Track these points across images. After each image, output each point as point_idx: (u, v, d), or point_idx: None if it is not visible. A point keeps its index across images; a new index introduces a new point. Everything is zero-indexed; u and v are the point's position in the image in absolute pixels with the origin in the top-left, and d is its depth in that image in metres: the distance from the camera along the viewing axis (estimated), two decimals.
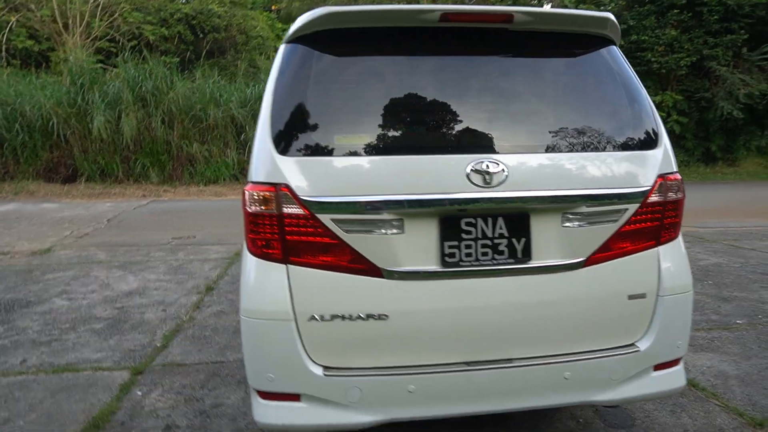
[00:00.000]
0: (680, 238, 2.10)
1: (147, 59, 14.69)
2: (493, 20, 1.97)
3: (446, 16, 1.90)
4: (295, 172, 1.81)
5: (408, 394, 1.85)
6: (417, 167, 1.85)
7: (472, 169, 1.84)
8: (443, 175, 1.84)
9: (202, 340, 3.80)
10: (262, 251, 1.87)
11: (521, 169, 1.87)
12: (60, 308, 4.53)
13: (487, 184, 1.83)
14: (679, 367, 2.09)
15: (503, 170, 1.84)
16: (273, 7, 27.83)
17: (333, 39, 1.95)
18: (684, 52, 16.86)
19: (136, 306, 4.62)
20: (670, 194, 2.00)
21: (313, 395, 1.85)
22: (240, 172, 14.98)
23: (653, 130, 2.04)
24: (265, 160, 1.85)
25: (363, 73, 1.99)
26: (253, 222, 1.87)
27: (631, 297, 1.98)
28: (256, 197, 1.85)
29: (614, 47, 2.16)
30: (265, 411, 1.90)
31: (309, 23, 1.92)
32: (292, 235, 1.82)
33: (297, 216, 1.81)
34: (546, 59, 2.10)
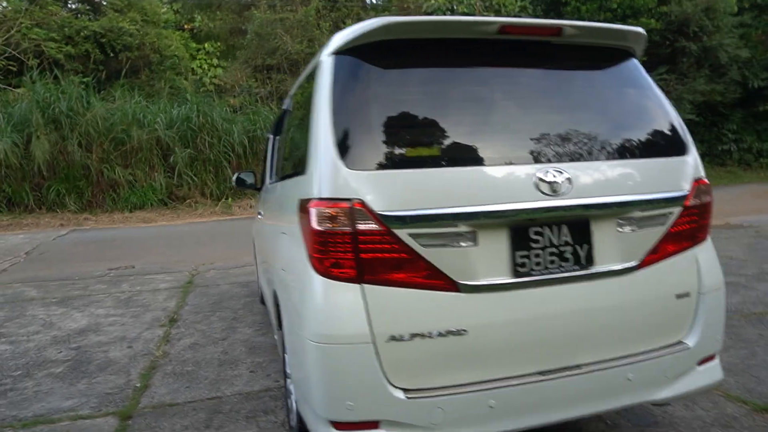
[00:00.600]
0: (709, 238, 2.23)
1: (59, 78, 13.61)
2: (544, 33, 2.01)
3: (505, 28, 1.91)
4: (368, 187, 1.72)
5: (489, 410, 1.78)
6: (487, 178, 1.82)
7: (539, 179, 1.84)
8: (512, 185, 1.83)
9: (187, 376, 3.48)
10: (332, 271, 1.73)
11: (581, 177, 1.90)
12: (2, 354, 3.98)
13: (554, 192, 1.84)
14: (717, 361, 2.20)
15: (567, 179, 1.87)
16: (186, 26, 26.92)
17: (387, 50, 1.88)
18: None
19: (95, 344, 4.16)
20: (703, 197, 2.12)
21: (394, 420, 1.72)
22: (168, 197, 14.16)
23: (683, 137, 2.17)
24: (333, 175, 1.74)
25: (422, 85, 1.93)
26: (321, 240, 1.74)
27: (678, 296, 2.06)
28: (326, 214, 1.73)
29: (637, 60, 2.28)
30: None
31: (365, 34, 1.84)
32: (368, 252, 1.70)
33: (372, 232, 1.70)
34: (587, 71, 2.17)
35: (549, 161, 1.88)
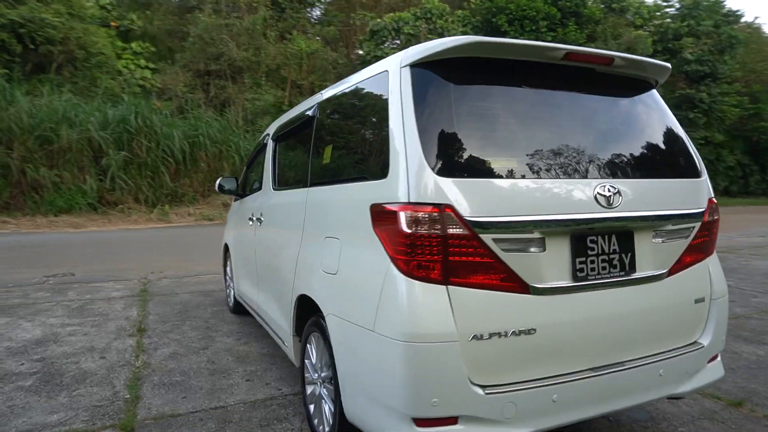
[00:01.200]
0: (715, 252, 2.50)
1: None
2: (599, 62, 2.20)
3: (569, 55, 2.07)
4: (457, 193, 1.79)
5: (552, 404, 1.89)
6: (556, 189, 1.96)
7: (597, 192, 2.01)
8: (577, 197, 1.98)
9: (179, 386, 3.31)
10: (420, 273, 1.77)
11: (628, 192, 2.08)
12: None
13: (609, 205, 2.01)
14: (719, 359, 2.46)
15: (618, 193, 2.04)
16: (113, 24, 25.61)
17: (463, 66, 1.99)
18: None
19: (61, 355, 3.83)
20: (714, 214, 2.39)
21: (472, 416, 1.78)
22: (99, 201, 13.29)
23: (698, 160, 2.43)
24: (424, 181, 1.79)
25: (497, 101, 2.05)
26: (410, 243, 1.77)
27: (696, 301, 2.29)
28: (418, 218, 1.77)
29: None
30: None
31: (447, 50, 1.92)
32: (455, 255, 1.76)
33: (460, 236, 1.77)
34: (623, 98, 2.37)
35: (603, 177, 2.06)
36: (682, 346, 2.25)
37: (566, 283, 1.95)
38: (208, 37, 16.33)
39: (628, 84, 2.39)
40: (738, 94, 24.31)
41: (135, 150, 13.67)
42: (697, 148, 2.46)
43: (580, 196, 1.98)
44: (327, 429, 2.41)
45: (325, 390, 2.48)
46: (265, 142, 4.03)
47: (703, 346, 2.29)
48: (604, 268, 2.03)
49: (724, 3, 24.67)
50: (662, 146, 2.36)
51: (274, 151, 3.69)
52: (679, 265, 2.24)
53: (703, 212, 2.31)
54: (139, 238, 10.94)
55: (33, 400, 3.07)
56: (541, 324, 1.88)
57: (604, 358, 2.03)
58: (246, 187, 4.65)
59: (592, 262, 2.00)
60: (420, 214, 1.76)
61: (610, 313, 2.04)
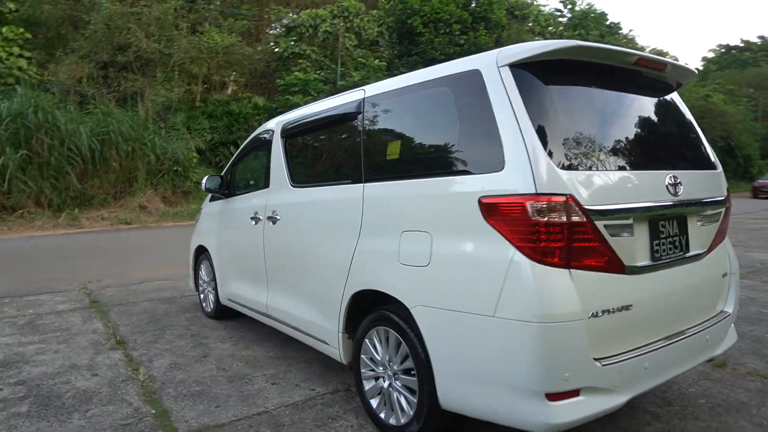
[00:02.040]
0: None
1: None
2: (658, 67, 2.44)
3: (639, 60, 2.30)
4: (575, 184, 1.94)
5: (644, 370, 2.07)
6: (643, 180, 2.19)
7: (668, 183, 2.26)
8: (654, 187, 2.22)
9: (203, 396, 3.11)
10: (546, 258, 1.87)
11: (685, 182, 2.36)
12: None
13: (675, 193, 2.28)
14: (733, 325, 2.85)
15: (680, 183, 2.31)
16: None
17: (556, 67, 2.12)
18: None
19: (43, 376, 3.42)
20: (730, 201, 2.77)
21: (591, 386, 1.90)
22: None
23: (713, 154, 2.79)
24: (548, 173, 1.91)
25: (584, 100, 2.22)
26: (537, 231, 1.87)
27: (722, 276, 2.65)
28: (545, 208, 1.87)
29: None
30: (558, 411, 1.84)
31: (551, 52, 2.05)
32: (576, 241, 1.89)
33: (581, 223, 1.91)
34: (663, 99, 2.65)
35: (668, 169, 2.31)
36: (716, 315, 2.59)
37: (648, 262, 2.17)
38: (114, 26, 15.03)
39: (663, 86, 2.68)
40: None
41: (35, 148, 12.26)
42: None
43: (657, 186, 2.21)
44: (405, 420, 2.44)
45: (399, 382, 2.50)
46: (266, 138, 3.89)
47: (728, 314, 2.65)
48: (670, 249, 2.28)
49: (608, 15, 27.44)
50: (693, 141, 2.69)
51: (286, 148, 3.59)
52: (712, 245, 2.57)
53: (725, 199, 2.67)
54: (52, 246, 9.87)
55: (44, 426, 2.75)
56: (635, 300, 2.08)
57: (674, 327, 2.29)
58: (232, 186, 4.45)
59: (663, 243, 2.24)
60: (547, 204, 1.87)
61: (675, 287, 2.30)
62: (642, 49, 32.50)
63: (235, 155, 4.48)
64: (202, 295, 5.02)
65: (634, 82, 2.48)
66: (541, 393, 1.87)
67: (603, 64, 2.27)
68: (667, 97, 2.68)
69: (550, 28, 26.29)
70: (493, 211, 1.98)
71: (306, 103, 17.17)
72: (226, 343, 4.12)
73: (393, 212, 2.47)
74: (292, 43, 18.98)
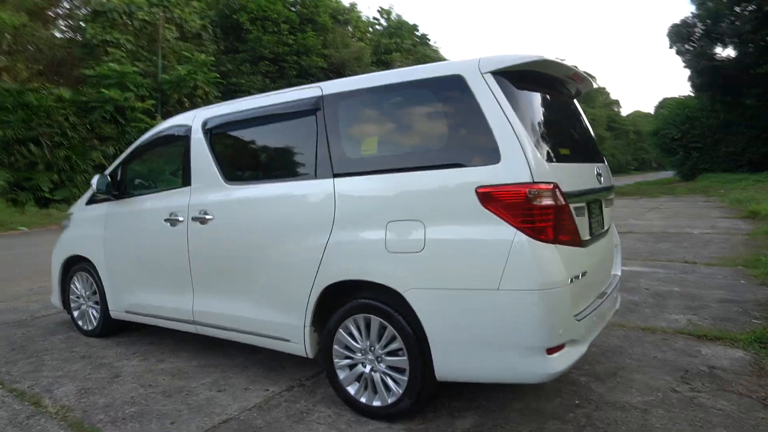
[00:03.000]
0: None
1: None
2: (578, 80, 2.99)
3: (573, 74, 2.82)
4: (556, 173, 2.33)
5: (593, 323, 2.60)
6: (584, 170, 2.70)
7: (597, 172, 2.84)
8: (589, 176, 2.78)
9: (146, 416, 2.78)
10: (541, 236, 2.21)
11: (602, 172, 2.98)
12: None
13: (600, 182, 2.87)
14: None
15: (600, 173, 2.91)
16: None
17: (521, 76, 2.51)
18: None
19: None
20: None
21: (572, 339, 2.32)
22: None
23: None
24: (540, 165, 2.26)
25: (540, 104, 2.62)
26: (533, 213, 2.21)
27: (615, 246, 3.40)
28: (540, 193, 2.22)
29: None
30: (554, 363, 2.20)
31: (525, 63, 2.45)
32: (560, 220, 2.29)
33: (562, 206, 2.31)
34: (573, 102, 3.24)
35: (593, 162, 2.90)
36: (615, 277, 3.30)
37: (588, 237, 2.71)
38: None
39: (575, 94, 3.29)
40: None
41: None
42: None
43: (591, 175, 2.77)
44: (393, 399, 2.60)
45: (383, 365, 2.65)
46: (178, 134, 3.62)
47: (619, 276, 3.39)
48: (597, 226, 2.87)
49: (418, 27, 30.17)
50: (594, 139, 3.36)
51: (211, 144, 3.41)
52: (609, 223, 3.28)
53: (613, 186, 3.41)
54: None
55: None
56: (587, 267, 2.59)
57: (601, 288, 2.89)
58: (124, 186, 3.99)
59: (594, 222, 2.82)
60: (541, 191, 2.24)
61: (599, 257, 2.90)
62: (443, 58, 36.44)
63: (127, 152, 4.03)
64: (76, 312, 4.38)
65: (561, 91, 3.02)
66: (543, 349, 2.24)
67: (551, 75, 2.75)
68: (576, 102, 3.31)
69: (368, 35, 27.87)
70: (491, 198, 2.28)
71: (126, 98, 15.54)
72: (133, 360, 3.72)
73: (375, 205, 2.60)
74: (101, 30, 16.83)
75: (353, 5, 26.65)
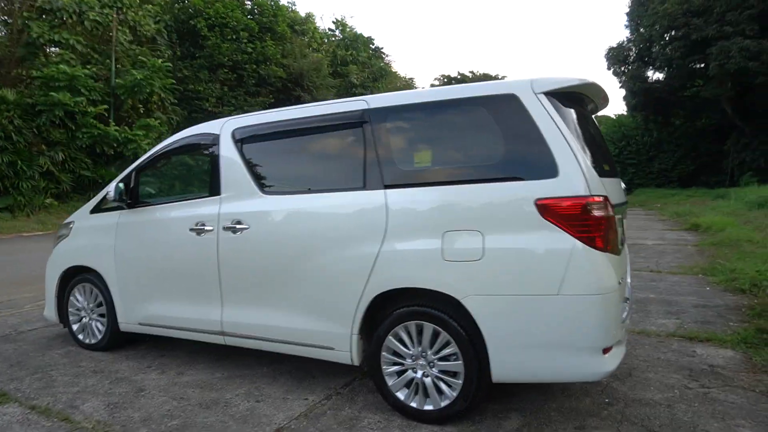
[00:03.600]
0: None
1: None
2: (605, 100, 3.23)
3: (603, 96, 3.04)
4: (605, 188, 2.53)
5: (625, 325, 2.82)
6: (616, 185, 2.93)
7: (623, 186, 3.08)
8: (620, 190, 3.01)
9: (193, 428, 2.79)
10: (596, 244, 2.40)
11: (623, 186, 3.24)
12: None
13: (626, 194, 3.12)
14: None
15: (626, 187, 3.17)
16: None
17: (567, 96, 2.71)
18: (231, 106, 19.69)
19: None
20: None
21: (619, 340, 2.53)
22: None
23: None
24: (594, 179, 2.46)
25: (581, 122, 2.80)
26: (591, 224, 2.39)
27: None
28: (595, 206, 2.40)
29: None
30: (608, 361, 2.38)
31: (575, 86, 2.68)
32: (609, 230, 2.49)
33: (611, 217, 2.51)
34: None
35: (618, 177, 3.15)
36: (629, 284, 3.57)
37: (621, 246, 2.94)
38: None
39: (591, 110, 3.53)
40: None
41: None
42: None
43: (621, 189, 3.01)
44: (446, 402, 2.70)
45: (436, 369, 2.75)
46: (204, 143, 3.60)
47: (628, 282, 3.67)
48: (623, 236, 3.11)
49: (374, 40, 30.57)
50: (611, 152, 3.63)
51: (242, 154, 3.41)
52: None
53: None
54: None
55: None
56: (621, 274, 2.81)
57: (626, 293, 3.13)
58: (136, 195, 3.88)
59: (622, 232, 3.05)
60: (596, 203, 2.44)
61: (624, 265, 3.14)
62: (396, 73, 37.02)
63: (141, 160, 3.93)
64: (76, 326, 4.20)
65: (588, 108, 3.23)
66: (600, 349, 2.42)
67: (585, 95, 2.97)
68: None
69: (324, 46, 27.95)
70: (551, 210, 2.46)
71: (77, 103, 14.76)
72: (151, 373, 3.62)
73: (430, 215, 2.72)
74: (49, 29, 15.95)
75: (309, 15, 26.69)
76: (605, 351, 2.45)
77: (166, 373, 3.61)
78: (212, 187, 3.48)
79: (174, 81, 17.57)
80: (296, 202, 3.15)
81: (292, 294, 3.11)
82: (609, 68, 36.76)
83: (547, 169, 2.49)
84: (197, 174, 4.02)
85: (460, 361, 2.66)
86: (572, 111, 2.76)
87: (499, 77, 65.49)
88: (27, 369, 3.73)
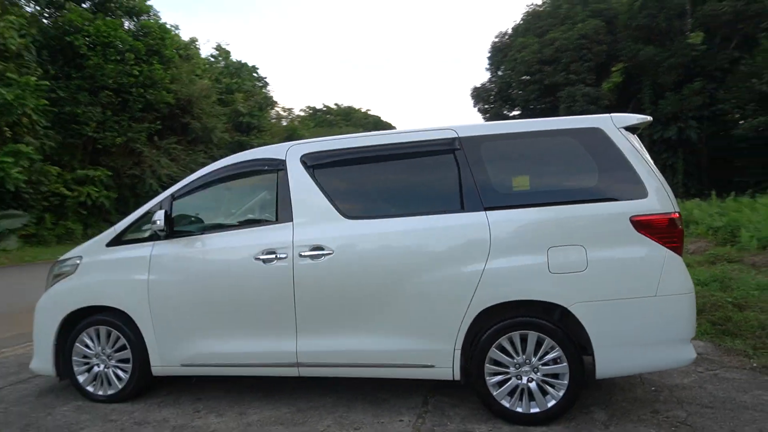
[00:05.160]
0: None
1: None
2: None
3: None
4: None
5: None
6: None
7: None
8: None
9: None
10: (679, 252, 2.89)
11: None
12: None
13: None
14: None
15: None
16: None
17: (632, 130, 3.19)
18: (114, 131, 18.00)
19: None
20: None
21: (693, 335, 3.02)
22: None
23: None
24: (671, 198, 2.96)
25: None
26: (675, 235, 2.88)
27: None
28: (678, 220, 2.92)
29: None
30: (693, 350, 2.87)
31: (640, 123, 3.15)
32: (683, 240, 3.00)
33: (682, 229, 3.03)
34: None
35: None
36: None
37: None
38: None
39: None
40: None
41: None
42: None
43: None
44: (552, 403, 2.97)
45: (539, 374, 3.01)
46: (267, 168, 3.52)
47: None
48: None
49: (258, 68, 30.19)
50: None
51: (316, 179, 3.41)
52: None
53: None
54: None
55: None
56: None
57: None
58: (172, 225, 3.60)
59: None
60: (677, 218, 2.94)
61: None
62: (275, 102, 36.73)
63: (180, 186, 3.67)
64: (83, 377, 3.68)
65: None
66: (688, 339, 2.90)
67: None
68: None
69: (207, 73, 26.92)
70: (645, 225, 2.91)
71: None
72: (208, 417, 3.35)
73: (534, 233, 3.02)
74: None
75: (193, 39, 25.60)
76: (691, 341, 2.93)
77: (225, 416, 3.37)
78: (280, 214, 3.40)
79: (47, 102, 15.64)
80: (386, 226, 3.23)
81: (385, 317, 3.16)
82: (474, 105, 40.63)
83: (637, 190, 2.96)
84: (240, 201, 3.85)
85: (564, 364, 2.96)
86: (637, 141, 3.29)
87: (367, 112, 68.12)
88: (38, 427, 3.21)
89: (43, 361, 3.75)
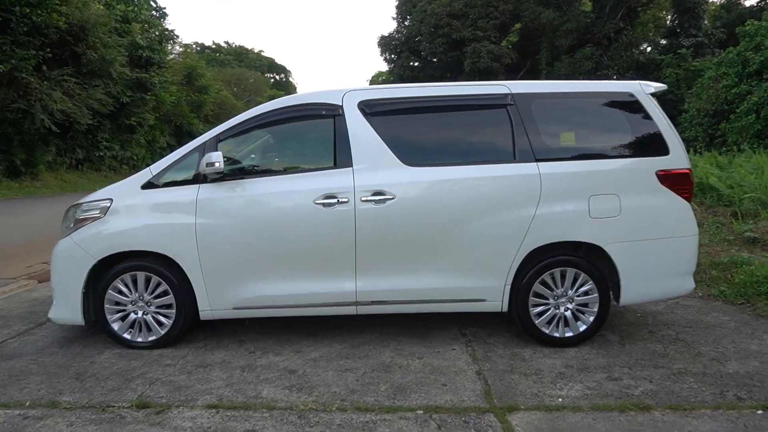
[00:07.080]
0: None
1: None
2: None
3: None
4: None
5: None
6: None
7: None
8: None
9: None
10: (690, 200, 3.47)
11: None
12: None
13: None
14: None
15: None
16: None
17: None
18: None
19: None
20: None
21: (694, 270, 3.68)
22: None
23: None
24: (687, 156, 3.50)
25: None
26: (690, 186, 3.44)
27: None
28: (691, 175, 3.46)
29: None
30: (692, 282, 3.55)
31: (656, 91, 3.59)
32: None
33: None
34: None
35: None
36: None
37: None
38: None
39: None
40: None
41: None
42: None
43: None
44: (583, 327, 3.51)
45: (573, 304, 3.51)
46: (324, 113, 3.53)
47: None
48: None
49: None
50: None
51: (374, 126, 3.51)
52: None
53: None
54: None
55: None
56: None
57: None
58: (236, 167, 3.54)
59: None
60: (691, 173, 3.52)
61: None
62: (176, 35, 33.61)
63: (225, 128, 3.55)
64: (117, 324, 3.57)
65: None
66: (692, 272, 3.56)
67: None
68: None
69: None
70: (667, 178, 3.44)
71: None
72: (267, 356, 3.46)
73: (578, 183, 3.43)
74: None
75: None
76: (692, 275, 3.60)
77: (283, 354, 3.50)
78: (338, 159, 3.48)
79: None
80: (445, 173, 3.46)
81: (443, 258, 3.45)
82: (381, 54, 40.49)
83: (661, 148, 3.48)
84: (307, 144, 3.85)
85: (595, 295, 3.49)
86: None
87: (260, 53, 64.25)
88: (105, 381, 3.13)
89: (68, 311, 3.54)
